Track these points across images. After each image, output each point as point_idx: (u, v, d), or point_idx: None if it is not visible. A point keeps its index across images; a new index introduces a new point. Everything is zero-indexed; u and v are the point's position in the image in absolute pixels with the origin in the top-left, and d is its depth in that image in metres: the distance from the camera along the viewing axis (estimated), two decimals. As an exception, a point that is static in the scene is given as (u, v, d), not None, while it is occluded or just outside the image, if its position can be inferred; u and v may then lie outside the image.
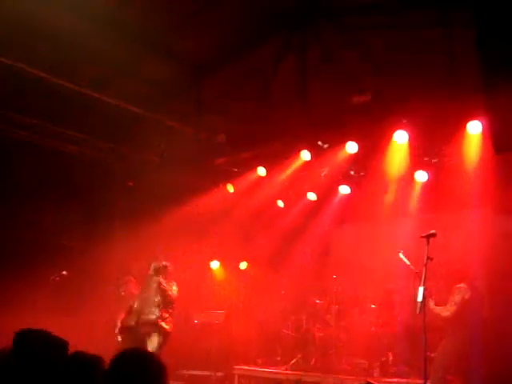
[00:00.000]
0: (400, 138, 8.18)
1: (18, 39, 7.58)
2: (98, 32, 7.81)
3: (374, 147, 8.70)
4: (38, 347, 3.24)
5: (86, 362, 3.13)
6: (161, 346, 8.24)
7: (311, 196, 10.15)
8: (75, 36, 7.78)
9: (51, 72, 8.30)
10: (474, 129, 7.60)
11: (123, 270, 9.96)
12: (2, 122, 8.93)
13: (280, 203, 10.50)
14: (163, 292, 8.32)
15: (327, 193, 10.03)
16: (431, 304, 7.44)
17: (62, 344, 3.34)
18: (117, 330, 9.35)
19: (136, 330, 8.46)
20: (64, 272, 8.45)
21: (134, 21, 7.83)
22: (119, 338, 9.16)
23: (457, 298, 7.26)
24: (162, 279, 8.32)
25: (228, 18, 8.13)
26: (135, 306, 8.62)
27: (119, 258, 10.20)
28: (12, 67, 7.93)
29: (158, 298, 8.40)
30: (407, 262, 7.82)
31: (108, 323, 9.40)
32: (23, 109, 8.96)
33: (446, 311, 7.31)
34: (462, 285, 7.37)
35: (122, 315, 9.56)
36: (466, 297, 7.26)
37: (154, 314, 8.35)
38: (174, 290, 8.43)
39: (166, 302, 8.39)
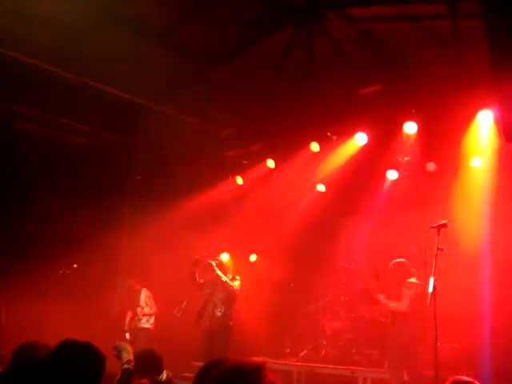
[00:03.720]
0: (409, 129, 8.14)
1: (23, 32, 7.59)
2: (103, 25, 7.81)
3: (384, 138, 8.66)
4: (78, 360, 3.16)
5: None
6: (228, 342, 8.32)
7: (320, 188, 10.11)
8: (80, 29, 7.79)
9: (58, 65, 8.32)
10: (485, 118, 7.55)
11: (125, 274, 10.04)
12: (10, 115, 8.97)
13: (289, 195, 10.48)
14: (226, 288, 8.38)
15: (337, 184, 9.99)
16: (383, 299, 7.52)
17: (101, 357, 3.29)
18: (126, 329, 9.44)
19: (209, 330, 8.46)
20: (75, 265, 8.51)
21: (139, 13, 7.81)
22: (127, 336, 9.26)
23: (411, 292, 7.35)
24: (221, 274, 8.33)
25: (235, 10, 8.10)
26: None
27: (128, 250, 10.25)
28: (19, 60, 7.96)
29: (222, 295, 8.45)
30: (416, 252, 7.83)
31: (115, 316, 9.51)
32: (31, 102, 8.98)
33: (402, 305, 7.38)
34: (413, 279, 7.43)
35: (130, 313, 9.67)
36: (418, 291, 7.31)
37: (220, 311, 8.39)
38: (236, 284, 8.47)
39: (231, 298, 8.45)
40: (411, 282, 7.43)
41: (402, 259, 7.71)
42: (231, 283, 8.40)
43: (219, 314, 8.35)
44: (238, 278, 8.70)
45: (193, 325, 8.55)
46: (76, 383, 3.01)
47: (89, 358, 3.18)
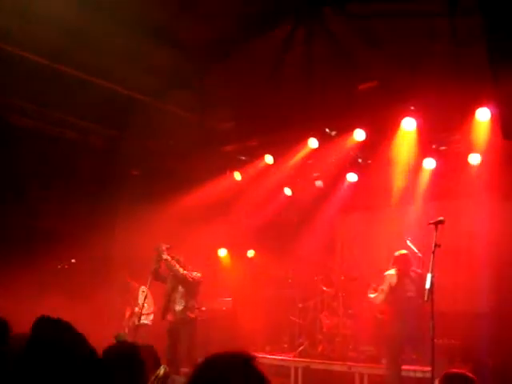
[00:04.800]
0: (408, 126, 8.14)
1: (19, 28, 7.57)
2: (101, 20, 7.78)
3: (382, 134, 8.67)
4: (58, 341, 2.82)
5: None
6: (192, 335, 8.28)
7: (319, 184, 10.12)
8: (77, 24, 7.77)
9: (55, 59, 8.30)
10: (483, 116, 7.55)
11: (122, 270, 10.02)
12: (6, 110, 8.95)
13: (287, 191, 10.49)
14: (186, 282, 8.30)
15: (335, 180, 10.00)
16: (369, 293, 7.56)
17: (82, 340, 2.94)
18: (124, 323, 9.42)
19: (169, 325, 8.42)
20: (73, 260, 8.50)
21: (136, 9, 7.80)
22: (126, 330, 9.25)
23: (384, 285, 7.33)
24: (177, 267, 8.20)
25: (233, 6, 8.09)
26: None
27: (124, 245, 10.24)
28: (15, 55, 7.94)
29: (182, 289, 8.39)
30: (415, 249, 7.83)
31: (113, 312, 9.50)
32: (27, 96, 8.96)
33: (375, 298, 7.41)
34: (390, 271, 7.44)
35: (129, 309, 9.66)
36: (393, 284, 7.29)
37: (180, 305, 8.34)
38: (194, 274, 8.33)
39: (190, 291, 8.38)
40: (385, 275, 7.44)
41: (404, 251, 7.65)
42: (190, 275, 8.23)
43: (179, 308, 8.28)
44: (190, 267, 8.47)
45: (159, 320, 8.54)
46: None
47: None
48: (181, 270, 8.19)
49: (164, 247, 8.21)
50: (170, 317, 8.36)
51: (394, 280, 7.36)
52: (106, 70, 8.90)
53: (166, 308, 8.41)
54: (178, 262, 8.34)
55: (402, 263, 7.46)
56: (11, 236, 8.94)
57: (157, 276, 8.34)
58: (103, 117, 9.90)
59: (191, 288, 8.33)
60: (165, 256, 8.17)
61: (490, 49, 5.60)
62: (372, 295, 7.62)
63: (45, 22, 7.60)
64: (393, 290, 7.35)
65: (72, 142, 9.98)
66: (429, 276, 5.56)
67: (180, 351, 8.00)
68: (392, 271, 7.44)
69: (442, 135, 8.34)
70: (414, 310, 7.23)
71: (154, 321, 9.39)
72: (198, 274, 8.42)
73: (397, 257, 7.57)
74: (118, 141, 10.66)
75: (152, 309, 9.59)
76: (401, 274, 7.37)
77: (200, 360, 2.53)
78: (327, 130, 8.91)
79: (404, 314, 7.27)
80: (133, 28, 8.19)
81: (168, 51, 8.92)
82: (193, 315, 8.28)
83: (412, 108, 8.01)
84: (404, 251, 7.62)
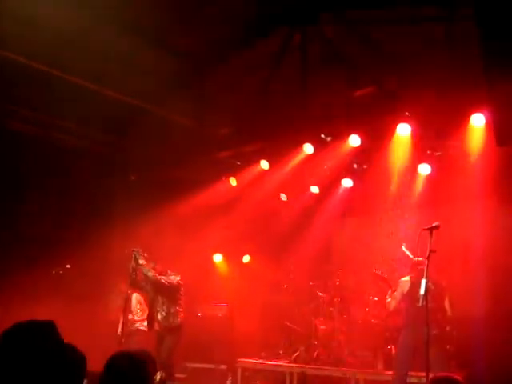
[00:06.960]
0: (403, 131, 8.16)
1: (18, 33, 7.57)
2: (98, 26, 7.80)
3: (377, 140, 8.69)
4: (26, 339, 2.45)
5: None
6: (175, 343, 8.26)
7: (314, 189, 10.13)
8: (75, 30, 7.78)
9: (52, 65, 8.30)
10: (478, 122, 7.58)
11: (117, 276, 9.98)
12: (5, 116, 8.95)
13: (283, 197, 10.50)
14: (165, 287, 8.22)
15: (330, 186, 10.01)
16: (387, 297, 7.57)
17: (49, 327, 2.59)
18: (119, 332, 9.38)
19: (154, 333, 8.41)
20: (68, 265, 8.48)
21: (134, 15, 7.81)
22: (121, 337, 9.21)
23: (397, 291, 7.31)
24: (152, 272, 8.10)
25: (230, 11, 8.11)
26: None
27: (120, 251, 10.22)
28: (12, 61, 7.94)
29: (162, 295, 8.32)
30: (410, 255, 7.83)
31: (108, 317, 9.47)
32: (23, 102, 8.96)
33: (389, 305, 7.40)
34: (404, 278, 7.38)
35: (123, 315, 9.61)
36: (406, 291, 7.23)
37: (162, 312, 8.30)
38: (172, 278, 8.28)
39: (172, 295, 8.34)
40: (399, 281, 7.43)
41: (420, 258, 7.36)
42: (167, 279, 8.17)
43: (162, 316, 8.23)
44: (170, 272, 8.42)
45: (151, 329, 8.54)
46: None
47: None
48: (156, 275, 8.11)
49: (141, 252, 8.14)
50: (156, 326, 8.35)
51: (406, 287, 7.30)
52: (104, 76, 8.91)
53: (151, 318, 8.37)
54: (154, 267, 8.27)
55: (417, 270, 7.23)
56: (7, 240, 8.93)
57: (134, 284, 8.28)
58: (101, 123, 9.90)
59: (170, 293, 8.26)
60: (141, 261, 8.09)
61: (484, 55, 5.63)
62: (388, 300, 7.59)
63: (43, 27, 7.60)
64: (405, 297, 7.29)
65: (70, 147, 9.98)
66: (423, 282, 5.57)
67: (160, 356, 7.95)
68: (407, 278, 7.39)
69: (437, 141, 8.35)
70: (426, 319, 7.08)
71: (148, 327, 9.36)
72: (177, 278, 8.33)
73: (414, 263, 7.46)
74: (116, 146, 10.66)
75: (146, 315, 9.54)
76: (414, 282, 7.18)
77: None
78: (323, 135, 8.92)
79: (415, 323, 7.06)
80: (131, 34, 8.21)
81: (166, 57, 8.94)
82: (178, 321, 8.25)
83: (407, 114, 8.03)
84: (420, 258, 7.37)
